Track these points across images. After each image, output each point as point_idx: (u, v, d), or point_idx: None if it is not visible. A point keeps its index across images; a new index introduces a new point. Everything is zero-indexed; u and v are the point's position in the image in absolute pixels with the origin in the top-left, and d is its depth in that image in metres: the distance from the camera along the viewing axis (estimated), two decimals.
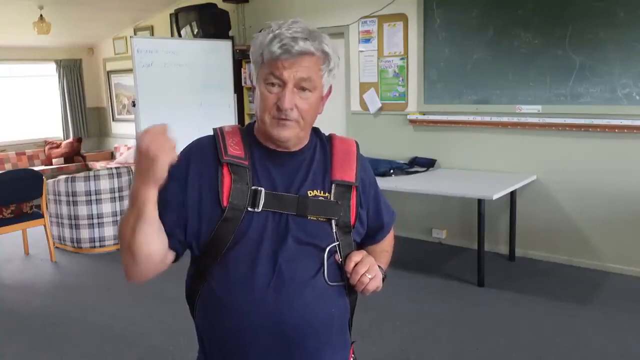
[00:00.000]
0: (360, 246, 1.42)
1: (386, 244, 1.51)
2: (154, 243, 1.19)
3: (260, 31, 1.26)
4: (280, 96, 1.21)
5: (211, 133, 1.33)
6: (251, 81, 1.32)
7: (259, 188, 1.24)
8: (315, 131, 1.38)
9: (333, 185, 1.30)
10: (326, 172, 1.31)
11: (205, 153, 1.28)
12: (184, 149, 1.32)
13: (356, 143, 1.41)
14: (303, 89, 1.23)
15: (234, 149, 1.27)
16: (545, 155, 4.61)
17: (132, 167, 5.62)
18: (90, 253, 5.24)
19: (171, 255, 1.25)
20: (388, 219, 1.47)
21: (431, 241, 5.30)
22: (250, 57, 1.28)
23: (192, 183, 1.26)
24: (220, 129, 1.32)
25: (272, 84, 1.22)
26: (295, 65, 1.20)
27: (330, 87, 1.32)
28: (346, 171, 1.32)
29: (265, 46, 1.21)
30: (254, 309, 1.21)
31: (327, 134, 1.42)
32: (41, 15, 6.43)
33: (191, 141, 1.35)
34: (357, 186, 1.33)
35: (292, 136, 1.25)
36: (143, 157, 1.11)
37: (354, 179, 1.32)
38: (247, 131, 1.34)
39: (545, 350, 3.21)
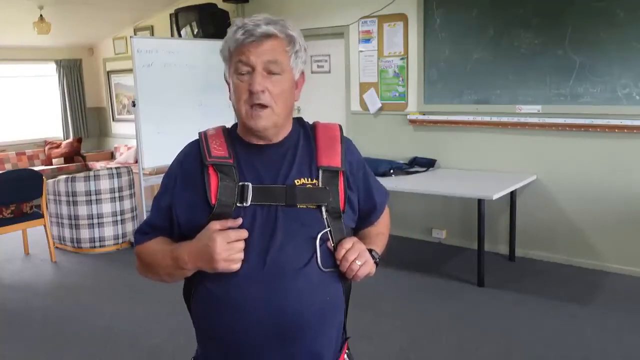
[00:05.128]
0: (356, 230, 1.43)
1: (382, 226, 1.51)
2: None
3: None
4: (251, 82, 1.24)
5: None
6: (225, 81, 1.34)
7: (246, 183, 1.26)
8: (298, 120, 1.40)
9: (320, 172, 1.31)
10: (312, 159, 1.32)
11: (191, 160, 1.33)
12: (174, 160, 1.38)
13: (340, 127, 1.42)
14: (272, 72, 1.25)
15: (217, 150, 1.30)
16: (545, 155, 4.61)
17: (132, 168, 5.63)
18: (90, 253, 5.24)
19: None
20: (380, 199, 1.47)
21: (431, 241, 5.30)
22: (220, 55, 1.32)
23: (180, 191, 1.31)
24: (205, 132, 1.36)
25: (242, 73, 1.25)
26: (260, 48, 1.24)
27: (303, 74, 1.35)
28: (332, 156, 1.33)
29: (230, 39, 1.26)
30: (248, 302, 1.22)
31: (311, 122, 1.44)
32: (41, 15, 6.43)
33: (184, 146, 1.40)
34: (344, 170, 1.34)
35: (270, 125, 1.27)
36: (209, 256, 1.20)
37: (340, 164, 1.33)
38: (230, 130, 1.37)
39: (545, 350, 3.21)
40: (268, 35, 1.24)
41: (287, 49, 1.27)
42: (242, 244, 1.21)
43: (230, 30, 1.27)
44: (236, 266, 1.21)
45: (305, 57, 1.33)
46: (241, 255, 1.21)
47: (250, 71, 1.24)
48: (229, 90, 1.31)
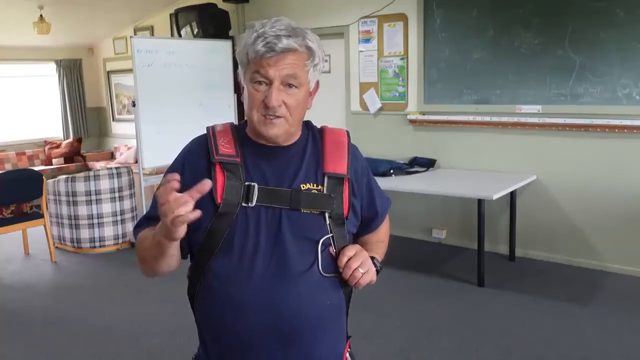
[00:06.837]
0: (356, 236, 1.43)
1: (382, 234, 1.52)
2: (172, 264, 1.28)
3: (245, 31, 1.28)
4: (267, 94, 1.23)
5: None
6: (239, 82, 1.33)
7: (252, 184, 1.26)
8: (307, 124, 1.39)
9: (325, 178, 1.31)
10: (318, 165, 1.32)
11: (198, 155, 1.32)
12: (179, 153, 1.37)
13: (347, 133, 1.41)
14: (290, 85, 1.24)
15: (225, 148, 1.29)
16: (545, 155, 4.61)
17: (132, 168, 5.63)
18: (90, 253, 5.24)
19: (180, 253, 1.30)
20: (382, 207, 1.47)
21: (431, 241, 5.30)
22: (237, 57, 1.30)
23: (187, 187, 1.28)
24: (213, 128, 1.35)
25: (259, 83, 1.24)
26: (280, 63, 1.22)
27: (318, 83, 1.34)
28: (338, 163, 1.33)
29: (249, 46, 1.23)
30: (250, 302, 1.23)
31: (319, 126, 1.43)
32: (41, 15, 6.43)
33: (189, 142, 1.38)
34: (350, 177, 1.34)
35: (281, 133, 1.27)
36: (164, 220, 1.12)
37: (346, 171, 1.33)
38: (238, 128, 1.36)
39: (545, 350, 3.21)
40: (288, 50, 1.22)
41: (306, 63, 1.26)
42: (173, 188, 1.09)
43: (248, 35, 1.24)
44: (188, 216, 1.08)
45: (322, 66, 1.31)
46: (185, 201, 1.08)
47: (268, 83, 1.23)
48: (242, 93, 1.30)
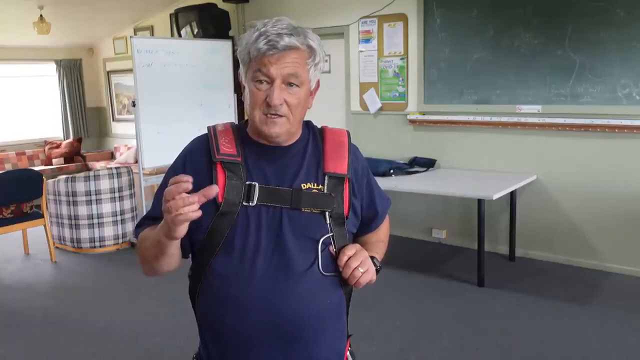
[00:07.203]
0: (356, 236, 1.43)
1: (382, 234, 1.52)
2: (172, 263, 1.28)
3: (246, 31, 1.28)
4: (269, 93, 1.23)
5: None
6: (240, 81, 1.34)
7: (253, 183, 1.27)
8: (307, 124, 1.40)
9: (326, 178, 1.31)
10: (319, 165, 1.33)
11: (199, 155, 1.32)
12: (180, 153, 1.37)
13: (347, 133, 1.42)
14: (291, 84, 1.25)
15: (227, 147, 1.30)
16: (545, 155, 4.61)
17: (132, 168, 5.63)
18: (90, 253, 5.24)
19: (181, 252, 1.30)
20: (382, 207, 1.48)
21: (431, 241, 5.30)
22: (238, 56, 1.30)
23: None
24: (214, 127, 1.36)
25: (261, 82, 1.24)
26: (282, 61, 1.22)
27: (318, 82, 1.34)
28: (338, 163, 1.34)
29: (251, 44, 1.24)
30: (250, 301, 1.23)
31: (319, 126, 1.43)
32: (41, 15, 6.43)
33: (189, 141, 1.39)
34: (350, 177, 1.34)
35: (283, 132, 1.27)
36: (166, 218, 1.12)
37: (346, 171, 1.34)
38: (239, 128, 1.36)
39: (545, 350, 3.21)
40: (290, 48, 1.22)
41: (307, 61, 1.26)
42: (185, 187, 1.09)
43: (250, 34, 1.25)
44: (192, 216, 1.10)
45: (323, 66, 1.32)
46: (192, 201, 1.09)
47: (269, 82, 1.24)
48: (243, 92, 1.31)
